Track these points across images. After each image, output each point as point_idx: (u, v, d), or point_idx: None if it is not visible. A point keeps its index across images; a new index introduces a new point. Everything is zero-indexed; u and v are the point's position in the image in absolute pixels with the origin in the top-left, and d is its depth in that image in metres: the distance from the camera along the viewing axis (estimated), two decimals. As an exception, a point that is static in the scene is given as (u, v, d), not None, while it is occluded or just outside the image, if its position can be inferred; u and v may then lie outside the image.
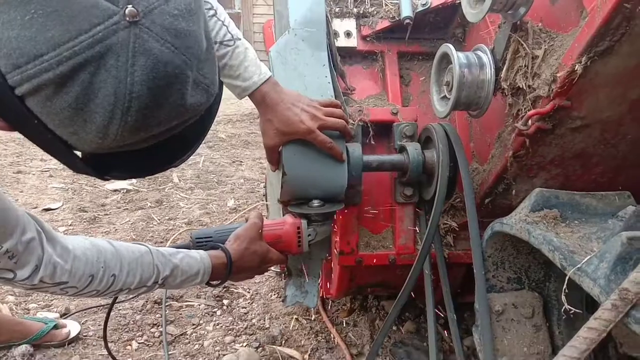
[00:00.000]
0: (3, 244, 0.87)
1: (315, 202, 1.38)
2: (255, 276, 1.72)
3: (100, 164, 0.74)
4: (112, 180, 3.46)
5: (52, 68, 0.59)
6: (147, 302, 2.24)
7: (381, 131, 1.60)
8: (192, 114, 0.73)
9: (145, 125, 0.67)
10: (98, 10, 0.60)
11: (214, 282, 1.29)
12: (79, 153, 0.74)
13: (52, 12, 0.58)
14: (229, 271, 1.26)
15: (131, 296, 2.15)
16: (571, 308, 0.96)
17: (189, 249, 1.25)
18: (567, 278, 0.94)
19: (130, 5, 0.61)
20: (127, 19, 0.61)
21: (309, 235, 1.39)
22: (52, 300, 2.27)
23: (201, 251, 1.25)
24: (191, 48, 0.67)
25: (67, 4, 0.59)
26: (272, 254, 1.34)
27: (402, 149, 1.52)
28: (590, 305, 1.19)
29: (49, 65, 0.59)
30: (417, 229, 1.61)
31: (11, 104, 0.62)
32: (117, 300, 1.31)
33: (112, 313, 1.32)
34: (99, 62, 0.61)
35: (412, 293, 1.50)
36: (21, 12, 0.58)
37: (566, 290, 0.95)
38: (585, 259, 0.92)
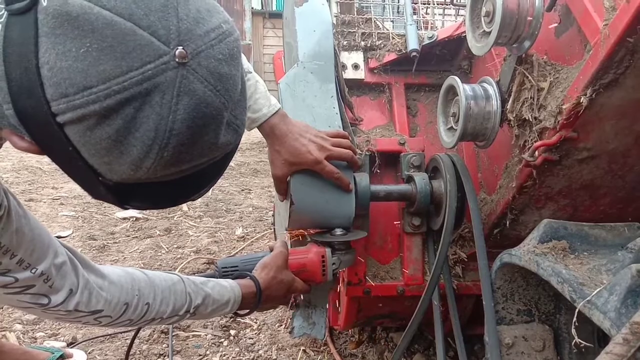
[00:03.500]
0: (38, 266, 0.88)
1: (338, 231, 1.38)
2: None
3: (122, 193, 0.75)
4: (129, 209, 3.48)
5: (99, 100, 0.61)
6: (154, 331, 2.22)
7: (389, 161, 1.61)
8: (221, 152, 0.74)
9: (179, 161, 0.68)
10: (150, 49, 0.61)
11: (242, 312, 1.28)
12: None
13: (106, 47, 0.60)
14: (258, 300, 1.25)
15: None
16: (582, 342, 0.94)
17: (215, 278, 1.24)
18: (576, 311, 0.93)
19: (181, 47, 0.63)
20: (177, 59, 0.63)
21: (333, 264, 1.38)
22: (59, 328, 2.26)
23: (230, 280, 1.24)
24: (229, 91, 0.69)
25: (123, 40, 0.60)
26: (297, 284, 1.34)
27: (409, 179, 1.52)
28: (602, 338, 1.17)
29: (96, 97, 0.61)
30: (425, 259, 1.60)
31: (50, 129, 0.63)
32: (127, 330, 1.28)
33: (118, 343, 1.31)
34: (145, 98, 0.62)
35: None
36: (77, 45, 0.60)
37: (576, 324, 0.94)
38: (595, 292, 0.91)
